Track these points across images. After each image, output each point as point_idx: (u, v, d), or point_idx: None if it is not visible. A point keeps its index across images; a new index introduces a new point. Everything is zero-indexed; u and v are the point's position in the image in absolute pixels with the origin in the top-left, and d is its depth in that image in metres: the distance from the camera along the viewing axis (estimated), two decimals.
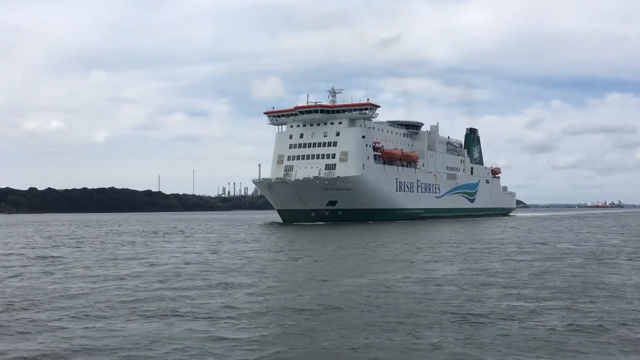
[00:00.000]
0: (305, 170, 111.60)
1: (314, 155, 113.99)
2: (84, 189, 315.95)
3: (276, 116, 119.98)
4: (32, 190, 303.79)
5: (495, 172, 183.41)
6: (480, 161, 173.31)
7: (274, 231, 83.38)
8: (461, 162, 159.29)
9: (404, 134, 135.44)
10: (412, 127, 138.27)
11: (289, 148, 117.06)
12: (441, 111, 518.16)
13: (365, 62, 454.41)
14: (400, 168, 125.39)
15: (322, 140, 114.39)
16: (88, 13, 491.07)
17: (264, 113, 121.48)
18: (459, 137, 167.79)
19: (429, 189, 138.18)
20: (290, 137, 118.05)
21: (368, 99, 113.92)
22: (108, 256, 45.17)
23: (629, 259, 40.33)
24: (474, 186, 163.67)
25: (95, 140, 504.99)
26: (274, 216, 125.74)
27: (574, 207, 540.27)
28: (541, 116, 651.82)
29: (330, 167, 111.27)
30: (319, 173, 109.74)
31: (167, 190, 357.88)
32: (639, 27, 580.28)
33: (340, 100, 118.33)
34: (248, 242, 60.78)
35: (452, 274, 32.20)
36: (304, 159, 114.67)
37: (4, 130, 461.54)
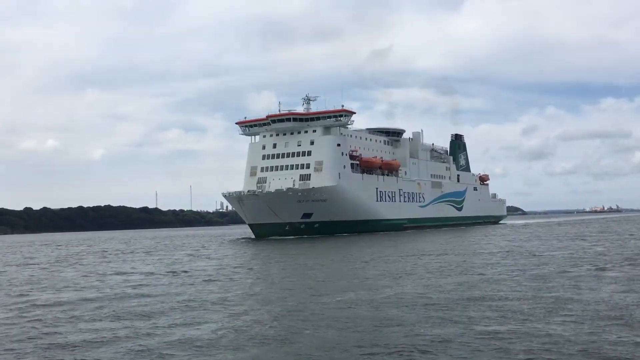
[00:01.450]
0: (279, 181, 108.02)
1: (287, 165, 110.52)
2: (80, 207, 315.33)
3: (248, 126, 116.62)
4: (28, 210, 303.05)
5: (483, 179, 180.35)
6: (467, 168, 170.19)
7: (241, 247, 79.52)
8: (447, 170, 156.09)
9: (385, 141, 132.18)
10: (393, 134, 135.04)
11: (262, 159, 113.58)
12: (436, 120, 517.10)
13: (359, 73, 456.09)
14: (381, 177, 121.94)
15: (296, 149, 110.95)
16: (83, 30, 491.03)
17: (236, 123, 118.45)
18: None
19: (413, 198, 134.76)
20: (263, 147, 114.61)
21: (343, 105, 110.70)
22: (33, 280, 41.50)
23: (601, 269, 36.98)
24: (461, 194, 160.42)
25: (91, 158, 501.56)
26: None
27: (573, 212, 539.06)
28: (536, 123, 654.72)
29: (304, 177, 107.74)
30: (294, 184, 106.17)
31: (165, 207, 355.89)
32: (632, 32, 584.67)
33: (316, 108, 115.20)
34: (210, 259, 57.00)
35: (398, 294, 28.63)
36: (277, 170, 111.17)
37: (1, 150, 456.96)
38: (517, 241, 73.19)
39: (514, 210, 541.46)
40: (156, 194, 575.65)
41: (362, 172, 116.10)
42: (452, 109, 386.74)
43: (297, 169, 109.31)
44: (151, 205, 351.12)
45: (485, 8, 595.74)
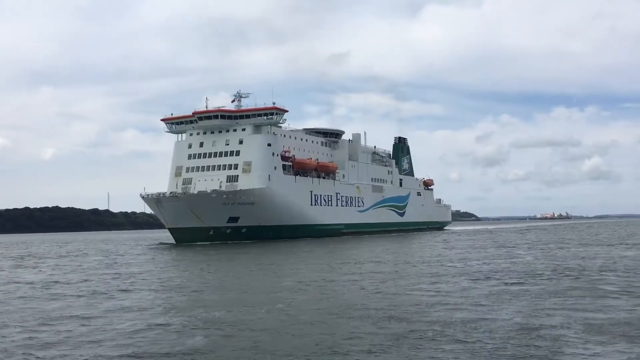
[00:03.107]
0: (205, 182, 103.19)
1: (214, 166, 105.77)
2: (26, 208, 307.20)
3: (174, 123, 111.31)
4: None
5: (427, 184, 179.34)
6: (410, 172, 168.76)
7: (151, 253, 74.47)
8: (389, 173, 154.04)
9: (322, 142, 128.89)
10: (330, 135, 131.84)
11: (188, 158, 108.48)
12: (392, 125, 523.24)
13: (317, 78, 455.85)
14: (316, 180, 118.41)
15: (224, 149, 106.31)
16: (36, 27, 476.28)
17: (161, 120, 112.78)
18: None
19: (351, 202, 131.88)
20: (190, 146, 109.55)
21: (274, 103, 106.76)
22: None
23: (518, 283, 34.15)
24: (404, 199, 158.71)
25: (42, 158, 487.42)
26: None
27: (526, 219, 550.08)
28: (491, 130, 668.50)
29: (232, 179, 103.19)
30: (220, 186, 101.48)
31: (117, 209, 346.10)
32: (583, 43, 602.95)
33: (247, 106, 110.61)
34: (105, 270, 51.96)
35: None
36: (204, 170, 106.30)
37: None
38: (449, 248, 71.01)
39: (467, 216, 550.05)
40: (108, 195, 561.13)
41: (296, 174, 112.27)
42: (396, 112, 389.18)
43: (225, 169, 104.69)
44: (103, 207, 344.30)
45: (444, 16, 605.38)
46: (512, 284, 32.61)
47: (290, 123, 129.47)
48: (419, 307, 25.05)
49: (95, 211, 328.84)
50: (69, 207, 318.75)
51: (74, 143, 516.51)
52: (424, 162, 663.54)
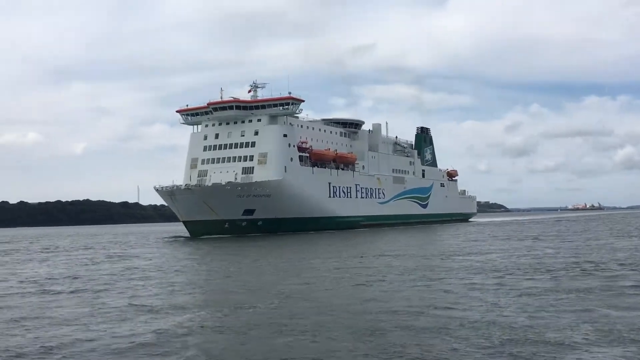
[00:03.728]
0: (220, 174, 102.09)
1: (230, 157, 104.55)
2: (58, 201, 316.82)
3: (189, 114, 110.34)
4: (4, 204, 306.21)
5: (451, 175, 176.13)
6: (433, 163, 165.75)
7: (166, 247, 73.74)
8: (410, 164, 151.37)
9: (341, 133, 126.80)
10: (350, 126, 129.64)
11: (203, 150, 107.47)
12: (418, 116, 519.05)
13: (342, 70, 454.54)
14: (335, 171, 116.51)
15: (239, 140, 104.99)
16: (68, 24, 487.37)
17: (177, 111, 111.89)
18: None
19: (371, 193, 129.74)
20: (205, 137, 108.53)
21: (290, 93, 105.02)
22: None
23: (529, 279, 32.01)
24: (426, 190, 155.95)
25: (73, 152, 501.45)
26: None
27: (556, 210, 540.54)
28: (520, 120, 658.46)
29: (247, 170, 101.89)
30: (235, 178, 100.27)
31: (147, 202, 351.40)
32: (614, 30, 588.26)
33: (264, 96, 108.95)
34: (118, 262, 51.06)
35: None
36: (219, 162, 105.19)
37: None
38: (468, 241, 68.69)
39: (497, 207, 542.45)
40: (138, 189, 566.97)
41: (313, 165, 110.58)
42: (421, 103, 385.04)
43: (240, 161, 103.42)
44: (132, 200, 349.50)
45: (470, 5, 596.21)
46: (525, 279, 30.53)
47: (316, 115, 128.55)
48: (417, 303, 23.17)
49: (125, 204, 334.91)
50: (99, 201, 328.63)
51: (104, 138, 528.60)
52: (451, 153, 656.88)
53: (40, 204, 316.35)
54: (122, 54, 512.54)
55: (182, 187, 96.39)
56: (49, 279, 37.85)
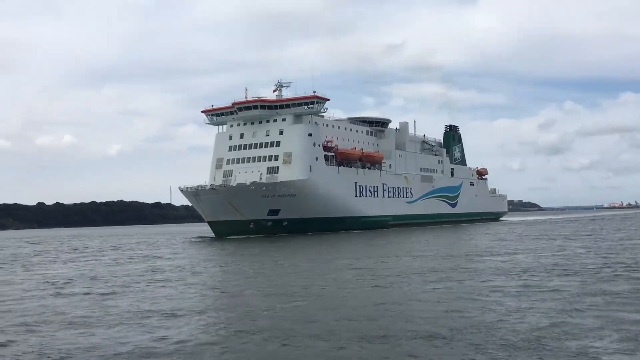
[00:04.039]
0: (246, 174, 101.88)
1: (255, 157, 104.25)
2: (93, 202, 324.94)
3: (214, 114, 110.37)
4: (40, 205, 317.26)
5: (481, 174, 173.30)
6: (462, 161, 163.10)
7: (191, 248, 73.67)
8: (439, 163, 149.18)
9: (367, 131, 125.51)
10: (376, 124, 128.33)
11: (229, 150, 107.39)
12: (448, 115, 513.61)
13: (372, 69, 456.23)
14: (361, 170, 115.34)
15: (264, 140, 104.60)
16: (98, 27, 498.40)
17: (202, 111, 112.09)
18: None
19: (399, 193, 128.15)
20: (230, 137, 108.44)
21: (314, 91, 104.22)
22: None
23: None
24: (456, 189, 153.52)
25: (107, 154, 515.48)
26: None
27: (592, 208, 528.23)
28: (554, 118, 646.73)
29: (272, 170, 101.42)
30: (261, 177, 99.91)
31: (179, 202, 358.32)
32: None
33: (289, 96, 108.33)
34: (138, 263, 50.98)
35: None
36: (244, 162, 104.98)
37: (18, 145, 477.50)
38: (497, 240, 66.94)
39: (530, 206, 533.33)
40: (170, 189, 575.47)
41: (339, 164, 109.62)
42: (452, 102, 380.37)
43: (265, 161, 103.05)
44: (165, 201, 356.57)
45: (502, 2, 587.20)
46: (551, 280, 29.16)
47: (346, 115, 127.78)
48: (436, 307, 22.09)
49: (157, 205, 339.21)
50: (132, 201, 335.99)
51: (136, 139, 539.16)
52: (481, 152, 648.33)
53: (75, 204, 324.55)
54: (153, 56, 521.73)
55: (207, 187, 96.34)
56: (69, 280, 37.67)
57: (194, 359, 16.22)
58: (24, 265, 52.91)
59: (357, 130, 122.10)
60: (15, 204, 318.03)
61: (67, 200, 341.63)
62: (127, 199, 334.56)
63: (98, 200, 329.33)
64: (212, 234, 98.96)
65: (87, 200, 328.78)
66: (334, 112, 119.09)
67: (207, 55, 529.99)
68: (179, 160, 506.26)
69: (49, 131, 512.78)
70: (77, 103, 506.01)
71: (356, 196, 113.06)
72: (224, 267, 44.49)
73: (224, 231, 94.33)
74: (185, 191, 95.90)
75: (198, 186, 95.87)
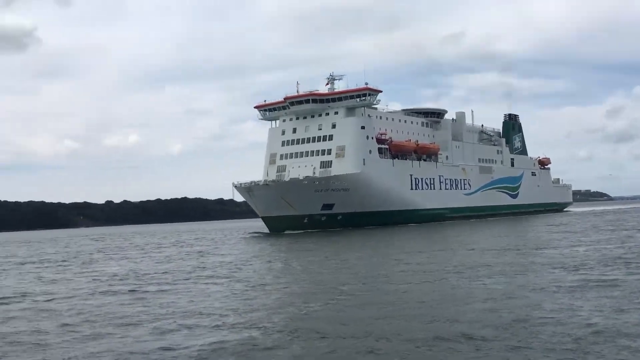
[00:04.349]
0: (299, 169, 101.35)
1: (308, 152, 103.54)
2: (158, 200, 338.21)
3: (267, 110, 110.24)
4: (109, 203, 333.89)
5: (543, 163, 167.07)
6: (523, 151, 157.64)
7: (243, 244, 73.74)
8: (498, 153, 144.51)
9: (422, 123, 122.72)
10: (432, 115, 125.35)
11: (282, 145, 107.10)
12: (509, 104, 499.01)
13: (431, 60, 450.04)
14: (416, 162, 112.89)
15: (317, 134, 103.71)
16: (159, 29, 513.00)
17: (255, 107, 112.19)
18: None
19: (456, 184, 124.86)
20: (283, 132, 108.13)
21: (367, 83, 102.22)
22: None
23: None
24: (516, 179, 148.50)
25: (170, 152, 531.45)
26: None
27: None
28: (622, 104, 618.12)
29: (325, 164, 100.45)
30: (314, 172, 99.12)
31: (240, 198, 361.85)
32: None
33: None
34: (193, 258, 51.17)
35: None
36: (297, 156, 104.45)
37: (87, 147, 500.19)
38: (560, 232, 63.72)
39: (599, 196, 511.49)
40: (232, 185, 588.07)
41: (393, 157, 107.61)
42: (514, 90, 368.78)
43: (318, 155, 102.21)
44: (227, 197, 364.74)
45: None
46: (610, 274, 26.81)
47: (404, 107, 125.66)
48: (490, 305, 20.44)
49: (220, 201, 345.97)
50: (196, 198, 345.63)
51: (198, 137, 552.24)
52: (545, 141, 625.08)
53: (141, 202, 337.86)
54: (212, 56, 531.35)
55: (260, 183, 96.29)
56: (121, 277, 37.78)
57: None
58: (83, 262, 53.94)
59: (411, 122, 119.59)
60: (85, 202, 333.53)
61: (134, 198, 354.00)
62: (190, 196, 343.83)
63: (163, 198, 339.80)
64: (267, 230, 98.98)
65: (153, 198, 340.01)
66: (391, 105, 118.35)
67: (265, 52, 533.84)
68: (240, 157, 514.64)
69: (115, 132, 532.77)
70: (141, 104, 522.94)
71: (412, 189, 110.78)
72: (274, 263, 43.83)
73: (278, 226, 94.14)
74: (239, 187, 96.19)
75: (251, 182, 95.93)
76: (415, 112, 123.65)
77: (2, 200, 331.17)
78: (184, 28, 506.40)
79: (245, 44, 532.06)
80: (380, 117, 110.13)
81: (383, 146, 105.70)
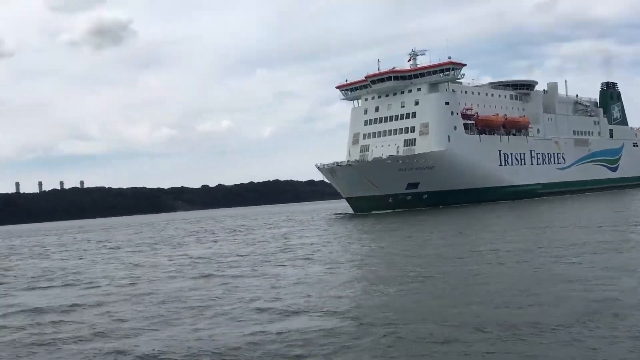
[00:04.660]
0: (382, 148, 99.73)
1: (391, 130, 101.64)
2: (251, 183, 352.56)
3: (349, 89, 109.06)
4: (205, 187, 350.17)
5: None
6: (623, 121, 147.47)
7: (329, 225, 73.57)
8: (595, 124, 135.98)
9: (511, 96, 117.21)
10: (521, 87, 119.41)
11: (365, 125, 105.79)
12: (606, 72, 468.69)
13: (523, 30, 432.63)
14: (505, 137, 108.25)
15: (400, 112, 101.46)
16: (246, 15, 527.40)
17: (336, 87, 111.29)
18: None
19: (549, 159, 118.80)
20: (365, 112, 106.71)
21: (450, 57, 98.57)
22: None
23: None
24: (616, 152, 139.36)
25: (262, 136, 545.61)
26: None
27: None
28: None
29: (409, 142, 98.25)
30: (397, 151, 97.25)
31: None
32: None
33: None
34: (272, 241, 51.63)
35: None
36: (380, 135, 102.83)
37: (182, 133, 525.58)
38: None
39: None
40: (316, 166, 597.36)
41: (480, 132, 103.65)
42: (605, 57, 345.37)
43: (401, 133, 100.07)
44: (318, 179, 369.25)
45: None
46: None
47: (493, 80, 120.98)
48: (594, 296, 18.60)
49: (311, 182, 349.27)
50: (287, 180, 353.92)
51: (288, 120, 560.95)
52: None
53: (235, 185, 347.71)
54: (300, 38, 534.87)
55: (343, 163, 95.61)
56: (204, 260, 37.91)
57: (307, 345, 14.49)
58: (173, 246, 55.19)
59: (499, 95, 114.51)
60: (182, 187, 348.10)
61: (228, 182, 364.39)
62: (282, 178, 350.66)
63: (255, 181, 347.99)
64: (351, 210, 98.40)
65: (246, 181, 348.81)
66: (481, 79, 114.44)
67: (350, 32, 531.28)
68: (329, 138, 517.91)
69: (208, 118, 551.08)
70: (232, 89, 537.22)
71: (500, 165, 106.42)
72: (356, 244, 42.95)
73: (362, 207, 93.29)
74: (322, 168, 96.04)
75: (334, 163, 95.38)
76: (503, 85, 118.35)
77: (106, 187, 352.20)
78: (273, 12, 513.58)
79: (331, 26, 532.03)
80: (466, 92, 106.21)
81: (469, 122, 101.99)
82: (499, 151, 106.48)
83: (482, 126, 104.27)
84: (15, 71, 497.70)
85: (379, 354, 13.31)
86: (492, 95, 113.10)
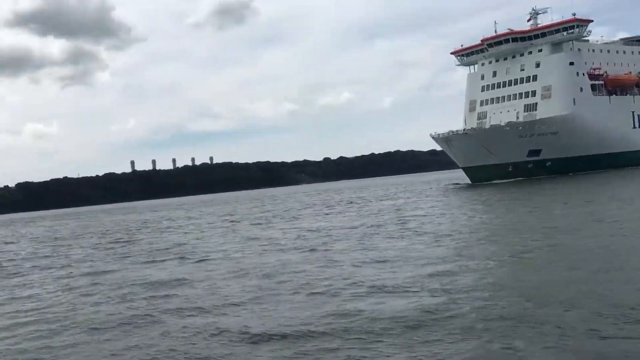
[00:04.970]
0: (500, 115, 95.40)
1: (510, 95, 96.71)
2: (372, 154, 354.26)
3: (464, 55, 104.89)
4: (326, 160, 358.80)
5: None
6: None
7: (444, 195, 71.83)
8: None
9: None
10: None
11: (481, 91, 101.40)
12: None
13: None
14: (638, 97, 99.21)
15: (519, 75, 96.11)
16: None
17: (451, 53, 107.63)
18: None
19: None
20: (482, 77, 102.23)
21: (574, 14, 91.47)
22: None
23: None
24: None
25: (382, 107, 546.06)
26: None
27: None
28: None
29: (530, 107, 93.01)
30: (517, 117, 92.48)
31: None
32: None
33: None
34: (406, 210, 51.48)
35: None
36: (498, 101, 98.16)
37: (303, 108, 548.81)
38: None
39: None
40: (430, 136, 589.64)
41: (610, 94, 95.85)
42: None
43: (521, 98, 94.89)
44: (439, 148, 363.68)
45: None
46: None
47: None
48: None
49: (432, 152, 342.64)
50: (408, 151, 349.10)
51: (409, 89, 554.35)
52: None
53: (356, 157, 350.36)
54: (415, 6, 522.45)
55: (459, 132, 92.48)
56: (318, 233, 38.05)
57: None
58: (288, 219, 56.32)
59: (632, 52, 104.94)
60: (305, 160, 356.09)
61: (349, 154, 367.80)
62: (403, 149, 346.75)
63: (377, 152, 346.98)
64: (468, 180, 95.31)
65: (367, 153, 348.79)
66: (614, 35, 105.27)
67: None
68: (450, 107, 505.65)
69: (328, 91, 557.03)
70: (351, 61, 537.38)
71: (634, 127, 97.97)
72: (472, 216, 41.12)
73: (480, 176, 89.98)
74: (437, 138, 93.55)
75: (449, 131, 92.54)
76: (637, 41, 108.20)
77: (233, 162, 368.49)
78: None
79: None
80: (593, 50, 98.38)
81: (597, 82, 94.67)
82: (632, 112, 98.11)
83: (612, 86, 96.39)
84: (147, 54, 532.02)
85: (470, 336, 12.55)
86: (625, 52, 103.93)
